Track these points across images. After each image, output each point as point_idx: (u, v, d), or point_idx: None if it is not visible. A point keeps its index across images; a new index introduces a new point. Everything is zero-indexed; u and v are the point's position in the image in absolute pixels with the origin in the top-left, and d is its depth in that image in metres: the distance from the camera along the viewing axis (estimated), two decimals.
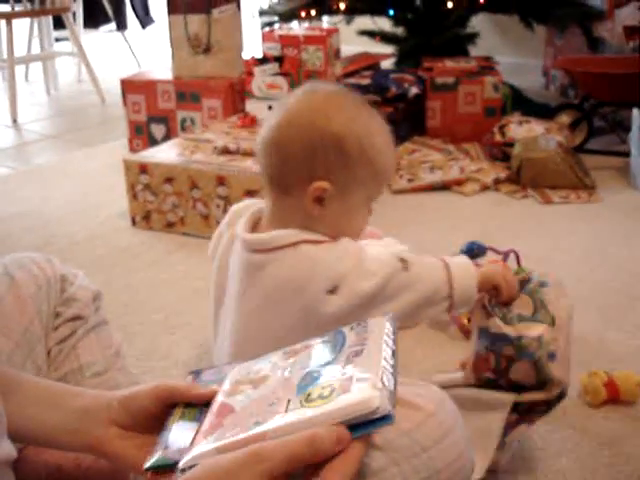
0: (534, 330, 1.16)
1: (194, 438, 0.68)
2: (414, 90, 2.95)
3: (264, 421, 0.65)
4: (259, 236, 1.09)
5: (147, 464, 0.69)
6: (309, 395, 0.65)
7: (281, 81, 2.70)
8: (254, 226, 1.14)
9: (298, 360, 0.73)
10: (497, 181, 2.58)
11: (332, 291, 1.04)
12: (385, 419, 0.62)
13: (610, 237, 2.18)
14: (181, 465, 0.64)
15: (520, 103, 3.21)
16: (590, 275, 1.95)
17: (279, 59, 2.73)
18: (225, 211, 2.15)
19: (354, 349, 0.70)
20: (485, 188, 2.56)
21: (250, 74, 2.75)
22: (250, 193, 2.11)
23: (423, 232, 2.21)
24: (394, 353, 0.70)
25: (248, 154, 2.28)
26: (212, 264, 1.29)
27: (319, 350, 0.73)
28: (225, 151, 2.32)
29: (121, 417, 0.75)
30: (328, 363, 0.70)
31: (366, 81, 3.01)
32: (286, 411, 0.64)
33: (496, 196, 2.52)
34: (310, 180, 1.07)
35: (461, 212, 2.40)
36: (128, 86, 3.05)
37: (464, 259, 1.15)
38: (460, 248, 1.71)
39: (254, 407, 0.68)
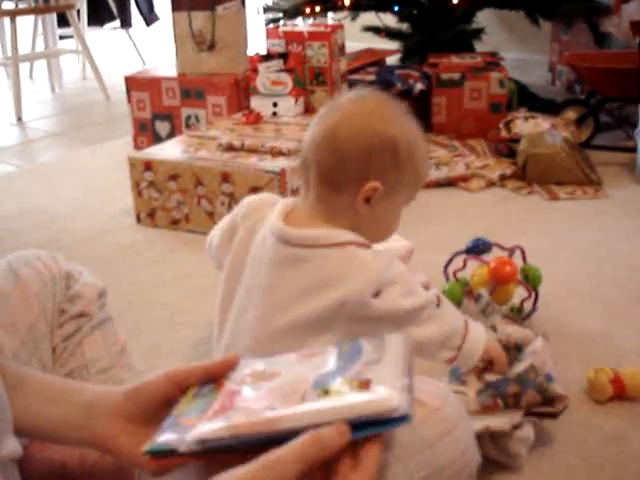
0: (523, 363, 1.27)
1: (200, 418, 0.67)
2: (419, 86, 2.94)
3: (278, 407, 0.64)
4: (305, 232, 1.11)
5: (146, 447, 0.68)
6: (327, 390, 0.65)
7: (285, 78, 2.70)
8: (284, 220, 1.15)
9: (313, 363, 0.73)
10: (503, 177, 2.57)
11: (376, 294, 1.07)
12: (403, 419, 0.61)
13: (616, 233, 2.17)
14: (189, 438, 0.64)
15: (526, 99, 3.20)
16: (596, 271, 1.94)
17: (283, 56, 2.72)
18: (230, 208, 2.16)
19: (371, 357, 0.70)
20: (491, 184, 2.55)
21: (254, 71, 2.74)
22: (255, 190, 2.10)
23: (429, 228, 2.20)
24: (411, 369, 0.69)
25: (253, 151, 2.28)
26: (215, 255, 1.30)
27: (335, 355, 0.73)
28: (230, 148, 2.31)
29: (128, 410, 0.75)
30: (345, 367, 0.69)
31: (371, 77, 3.00)
32: (302, 401, 0.64)
33: (502, 192, 2.51)
34: (363, 180, 1.10)
35: (467, 208, 2.39)
36: (132, 83, 3.05)
37: (481, 326, 1.22)
38: (466, 244, 1.70)
39: (267, 396, 0.68)
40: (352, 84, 2.95)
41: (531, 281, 1.64)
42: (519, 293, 1.66)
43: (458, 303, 1.66)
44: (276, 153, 2.24)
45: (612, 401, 1.39)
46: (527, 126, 2.70)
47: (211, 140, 2.42)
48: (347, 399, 0.63)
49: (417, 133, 1.16)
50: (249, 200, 1.26)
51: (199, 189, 2.22)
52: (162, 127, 3.04)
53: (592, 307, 1.75)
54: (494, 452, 1.23)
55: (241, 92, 2.86)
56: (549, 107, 3.05)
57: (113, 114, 3.93)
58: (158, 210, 2.32)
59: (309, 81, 2.77)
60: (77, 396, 0.77)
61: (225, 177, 2.16)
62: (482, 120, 2.91)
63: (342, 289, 1.07)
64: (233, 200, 2.16)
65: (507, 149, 2.72)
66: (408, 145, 1.12)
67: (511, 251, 1.68)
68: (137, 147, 3.05)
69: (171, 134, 2.95)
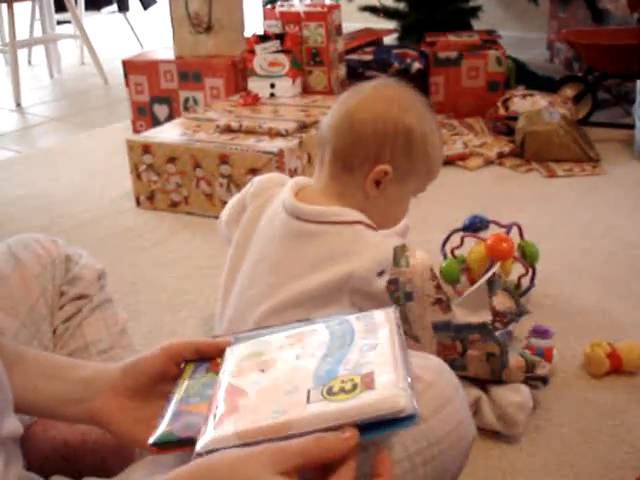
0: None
1: (206, 419, 0.66)
2: (417, 65, 2.94)
3: (285, 411, 0.64)
4: (316, 208, 1.17)
5: (152, 439, 0.69)
6: (330, 388, 0.64)
7: (282, 59, 2.69)
8: (296, 196, 1.20)
9: (306, 346, 0.72)
10: (501, 155, 2.57)
11: (380, 274, 1.14)
12: (410, 419, 0.61)
13: (614, 209, 2.17)
14: (199, 449, 0.63)
15: (524, 77, 3.19)
16: (594, 247, 1.94)
17: (280, 36, 2.72)
18: (229, 190, 2.17)
19: (367, 342, 0.70)
20: (489, 162, 2.55)
21: (252, 52, 2.74)
22: (253, 171, 2.11)
23: (427, 207, 2.20)
24: (404, 346, 0.70)
25: (250, 132, 2.28)
26: (224, 232, 1.33)
27: (327, 338, 0.73)
28: (227, 129, 2.32)
29: (125, 385, 0.76)
30: (342, 354, 0.69)
31: (368, 57, 3.00)
32: (308, 402, 0.64)
33: (500, 170, 2.51)
34: (375, 162, 1.16)
35: (465, 187, 2.39)
36: (130, 67, 3.05)
37: None
38: (463, 222, 1.71)
39: (270, 394, 0.67)
40: (349, 64, 2.94)
41: (528, 257, 1.65)
42: (517, 270, 1.67)
43: (455, 280, 1.67)
44: (274, 134, 2.25)
45: (609, 375, 1.41)
46: (525, 104, 2.70)
47: (209, 122, 2.42)
48: (353, 402, 0.62)
49: (434, 126, 1.21)
50: (259, 179, 1.32)
51: (197, 171, 2.22)
52: (160, 110, 3.04)
53: (589, 283, 1.76)
54: (493, 420, 1.24)
55: (239, 74, 2.86)
56: (547, 85, 3.04)
57: (112, 98, 3.93)
58: (157, 193, 2.32)
59: (306, 62, 2.76)
60: (76, 372, 0.78)
61: (223, 159, 2.17)
62: (480, 98, 2.91)
63: (350, 264, 1.12)
64: (232, 182, 2.17)
65: (505, 127, 2.72)
66: (423, 135, 1.17)
67: (508, 228, 1.69)
68: (136, 131, 3.05)
69: (170, 117, 2.95)
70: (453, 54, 2.91)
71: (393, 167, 1.16)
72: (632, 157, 2.56)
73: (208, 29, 2.92)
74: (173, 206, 2.31)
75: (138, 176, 2.34)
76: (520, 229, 1.69)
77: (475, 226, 1.69)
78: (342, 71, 2.85)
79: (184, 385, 0.74)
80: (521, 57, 3.42)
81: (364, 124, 1.16)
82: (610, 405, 1.33)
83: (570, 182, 2.39)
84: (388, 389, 0.62)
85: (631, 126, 2.63)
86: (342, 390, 0.64)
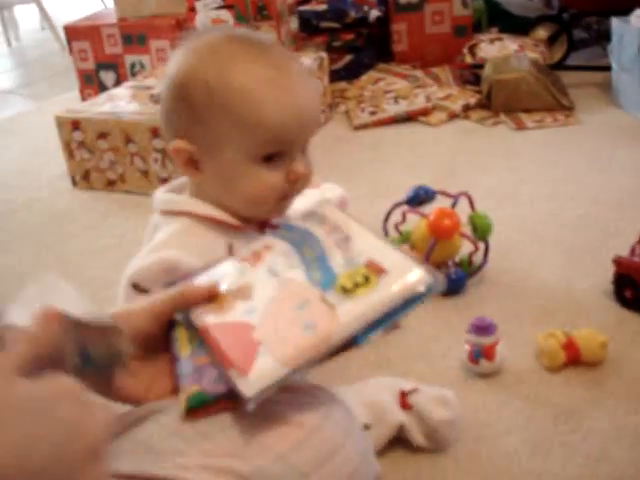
0: None
1: (222, 367, 0.61)
2: (375, 13, 2.71)
3: (315, 323, 0.60)
4: (164, 195, 0.99)
5: (187, 404, 0.62)
6: (343, 287, 0.61)
7: (226, 15, 2.47)
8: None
9: (274, 259, 0.69)
10: (466, 108, 2.36)
11: None
12: (430, 291, 0.61)
13: (587, 164, 1.97)
14: (250, 394, 0.58)
15: (498, 17, 2.96)
16: (561, 210, 1.75)
17: None
18: (164, 165, 1.98)
19: (336, 237, 0.66)
20: (453, 116, 2.34)
21: (193, 10, 2.52)
22: None
23: (381, 171, 2.02)
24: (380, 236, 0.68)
25: None
26: None
27: (285, 247, 0.69)
28: None
29: None
30: (321, 256, 0.66)
31: (322, 7, 2.75)
32: (332, 307, 0.61)
33: (465, 125, 2.30)
34: (170, 140, 0.92)
35: (425, 146, 2.18)
36: (72, 33, 2.84)
37: None
38: (407, 194, 1.51)
39: (280, 315, 0.63)
40: (302, 16, 2.72)
41: (479, 231, 1.46)
42: (468, 246, 1.48)
43: None
44: None
45: (566, 368, 1.22)
46: (492, 49, 2.49)
47: (146, 90, 2.22)
48: (379, 292, 0.60)
49: (233, 64, 0.88)
50: None
51: (130, 146, 2.03)
52: (107, 77, 2.84)
53: (553, 253, 1.57)
54: (422, 441, 1.07)
55: (185, 34, 2.64)
56: (523, 25, 2.81)
57: (70, 66, 3.72)
58: (92, 172, 2.14)
59: (253, 16, 2.54)
60: None
61: (155, 132, 1.97)
62: (446, 45, 2.70)
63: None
64: (166, 157, 1.98)
65: (472, 76, 2.51)
66: (206, 85, 0.87)
67: (456, 199, 1.50)
68: (85, 101, 2.85)
69: (117, 84, 2.74)
70: None
71: (191, 141, 0.90)
72: (609, 102, 2.34)
73: None
74: (110, 185, 2.13)
75: (71, 154, 2.15)
76: (470, 199, 1.49)
77: (420, 198, 1.49)
78: (294, 24, 2.63)
79: (185, 334, 0.68)
80: None
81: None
82: (565, 405, 1.15)
83: (540, 135, 2.18)
84: (403, 269, 0.61)
85: (609, 68, 2.41)
86: (357, 285, 0.61)
